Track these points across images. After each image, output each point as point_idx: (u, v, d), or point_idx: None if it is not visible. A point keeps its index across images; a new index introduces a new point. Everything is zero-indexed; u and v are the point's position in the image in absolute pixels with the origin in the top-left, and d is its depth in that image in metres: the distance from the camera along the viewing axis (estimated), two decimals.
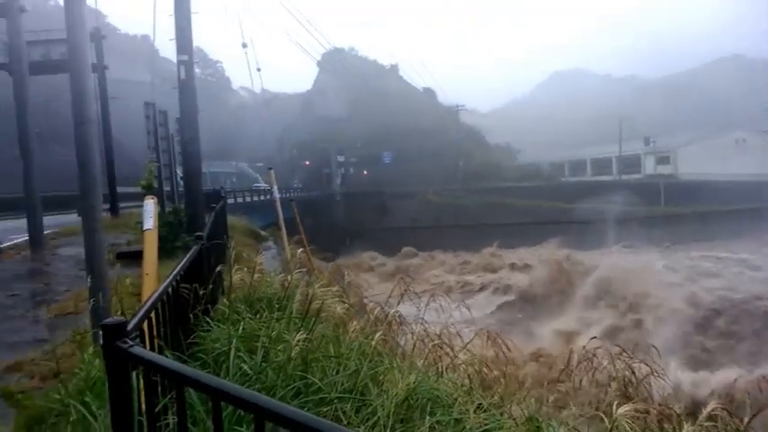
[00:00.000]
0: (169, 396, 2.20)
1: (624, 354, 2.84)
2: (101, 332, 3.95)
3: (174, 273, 3.13)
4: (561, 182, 67.21)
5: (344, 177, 63.52)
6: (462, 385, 3.16)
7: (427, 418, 2.18)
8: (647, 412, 2.22)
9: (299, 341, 2.62)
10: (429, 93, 77.78)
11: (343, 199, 54.54)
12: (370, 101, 67.70)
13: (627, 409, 1.89)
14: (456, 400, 2.77)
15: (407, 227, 48.35)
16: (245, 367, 2.76)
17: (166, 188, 12.38)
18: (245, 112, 74.80)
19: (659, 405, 2.28)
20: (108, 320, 1.76)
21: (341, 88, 68.33)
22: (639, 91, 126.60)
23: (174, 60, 11.28)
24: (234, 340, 2.81)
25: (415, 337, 3.51)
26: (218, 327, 3.59)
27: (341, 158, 63.54)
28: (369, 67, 78.46)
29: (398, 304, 3.85)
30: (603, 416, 2.05)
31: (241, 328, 3.15)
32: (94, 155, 5.05)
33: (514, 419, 2.85)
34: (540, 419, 2.71)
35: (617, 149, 67.44)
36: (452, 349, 3.21)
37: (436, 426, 2.38)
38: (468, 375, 3.36)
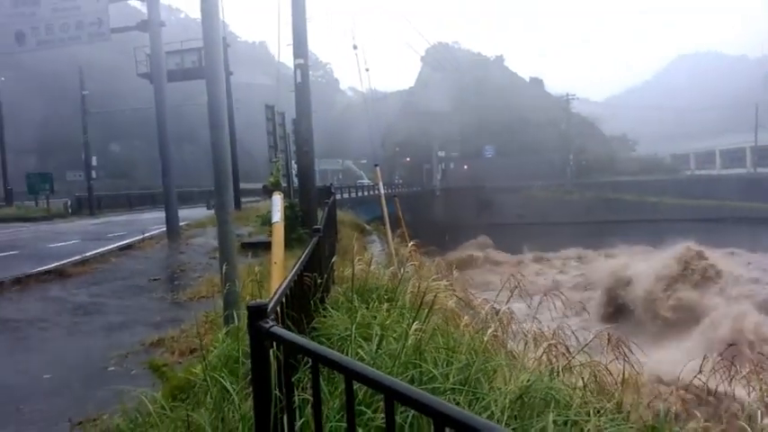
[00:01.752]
0: (298, 375, 2.42)
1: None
2: (235, 313, 4.38)
3: (299, 261, 3.38)
4: (686, 175, 61.20)
5: (445, 172, 63.28)
6: (578, 388, 3.07)
7: (550, 415, 2.15)
8: None
9: (414, 330, 2.72)
10: (536, 83, 74.74)
11: (442, 194, 54.36)
12: (472, 94, 66.65)
13: None
14: (572, 401, 2.71)
15: (511, 223, 46.89)
16: (362, 353, 2.92)
17: (283, 184, 13.26)
18: (351, 111, 77.45)
19: None
20: (252, 303, 1.98)
21: (443, 82, 67.98)
22: None
23: (289, 64, 12.04)
24: (353, 326, 2.99)
25: (528, 336, 3.46)
26: (336, 313, 3.82)
27: (441, 153, 63.35)
28: (472, 59, 77.19)
29: (508, 302, 3.82)
30: (747, 427, 1.89)
31: (359, 314, 3.32)
32: (227, 155, 5.57)
33: (636, 427, 2.72)
34: (665, 429, 2.56)
35: (752, 139, 59.85)
36: (568, 350, 3.13)
37: (553, 425, 2.35)
38: (584, 378, 3.25)
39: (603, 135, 68.22)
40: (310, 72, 11.89)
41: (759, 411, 1.83)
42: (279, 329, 1.90)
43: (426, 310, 3.07)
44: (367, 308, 3.99)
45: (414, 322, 2.75)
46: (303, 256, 3.65)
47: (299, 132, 11.94)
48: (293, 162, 13.29)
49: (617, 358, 3.13)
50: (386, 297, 4.45)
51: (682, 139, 78.90)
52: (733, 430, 2.36)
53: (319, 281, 4.35)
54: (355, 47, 14.47)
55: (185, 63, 19.94)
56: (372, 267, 5.83)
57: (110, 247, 12.71)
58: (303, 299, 3.80)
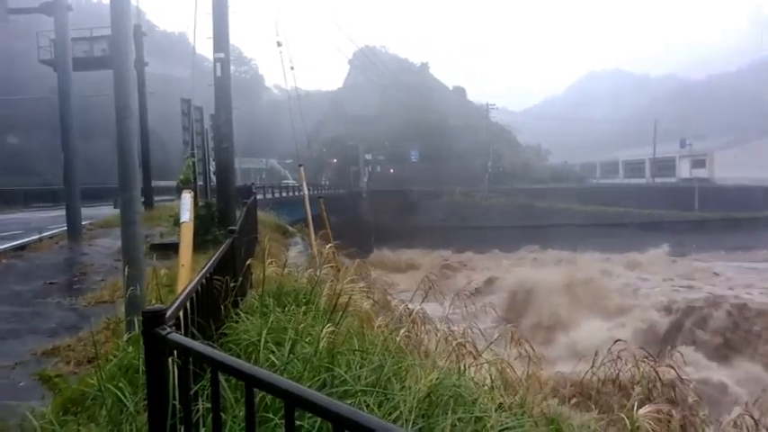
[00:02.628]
0: (200, 383, 2.30)
1: (649, 357, 2.81)
2: (137, 319, 4.11)
3: (208, 264, 3.24)
4: (592, 184, 65.98)
5: (371, 175, 63.77)
6: (484, 384, 3.18)
7: (449, 414, 2.21)
8: (671, 416, 2.21)
9: (326, 334, 2.69)
10: (459, 91, 77.33)
11: (369, 197, 54.71)
12: (399, 99, 67.72)
13: (648, 410, 1.89)
14: (478, 398, 2.80)
15: (434, 226, 48.08)
16: (273, 358, 2.85)
17: (200, 182, 12.69)
18: (276, 110, 75.86)
19: (683, 410, 2.27)
20: (148, 308, 1.86)
21: (371, 86, 68.51)
22: (677, 92, 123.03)
23: (210, 57, 11.56)
24: (264, 331, 2.90)
25: (438, 336, 3.55)
26: (248, 319, 3.70)
27: (368, 156, 63.78)
28: (399, 64, 78.46)
29: (422, 302, 3.89)
30: (625, 418, 2.05)
31: (271, 319, 3.23)
32: (134, 149, 5.24)
33: (535, 420, 2.86)
34: (561, 421, 2.72)
35: (651, 151, 65.81)
36: (476, 348, 3.24)
37: (457, 423, 2.41)
38: (491, 375, 3.39)
39: (519, 144, 71.96)
40: (234, 67, 11.53)
41: (636, 403, 1.99)
42: (177, 336, 1.80)
43: (340, 313, 3.05)
44: (283, 311, 3.91)
45: (326, 325, 2.72)
46: (213, 259, 3.51)
47: (217, 128, 11.51)
48: (211, 159, 12.78)
49: (520, 356, 3.28)
50: (304, 300, 4.39)
51: (589, 150, 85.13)
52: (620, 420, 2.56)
53: (233, 284, 4.21)
54: (279, 44, 14.14)
55: (94, 51, 18.58)
56: (291, 270, 5.73)
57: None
58: (212, 304, 3.65)
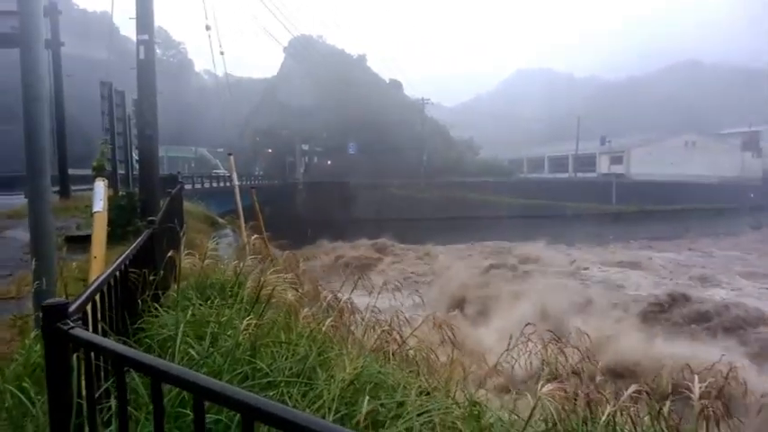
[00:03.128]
0: (111, 380, 2.19)
1: (555, 339, 2.99)
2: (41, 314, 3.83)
3: (123, 257, 3.08)
4: (520, 178, 68.86)
5: (308, 167, 63.00)
6: (410, 370, 3.25)
7: (368, 399, 2.24)
8: (576, 395, 2.36)
9: (247, 326, 2.64)
10: (395, 85, 77.81)
11: (305, 188, 54.03)
12: (336, 90, 67.17)
13: (550, 388, 2.01)
14: (401, 383, 2.86)
15: (371, 219, 48.32)
16: (192, 352, 2.76)
17: (121, 171, 12.01)
18: (206, 96, 72.86)
19: (587, 388, 2.43)
20: (48, 301, 1.74)
21: (307, 76, 67.46)
22: (599, 91, 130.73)
23: (135, 39, 10.90)
24: (181, 325, 2.80)
25: (365, 324, 3.58)
26: (168, 313, 3.56)
27: (305, 147, 62.93)
28: (336, 56, 77.74)
29: (351, 292, 3.91)
30: (529, 396, 2.17)
31: (189, 313, 3.12)
32: (44, 134, 4.86)
33: (456, 402, 2.96)
34: (480, 402, 2.83)
35: (574, 148, 69.57)
36: (401, 335, 3.30)
37: (380, 408, 2.45)
38: (417, 361, 3.46)
39: (453, 139, 73.64)
40: (161, 51, 10.95)
41: (542, 382, 2.12)
42: (80, 331, 1.69)
43: (263, 305, 3.00)
44: (206, 305, 3.79)
45: (248, 317, 2.67)
46: (129, 251, 3.33)
47: (140, 114, 10.89)
48: (134, 147, 12.09)
49: (444, 342, 3.38)
50: (229, 293, 4.27)
51: (517, 145, 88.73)
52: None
53: (153, 277, 4.02)
54: (208, 27, 13.56)
55: (2, 28, 17.02)
56: (218, 261, 5.56)
57: None
58: (128, 298, 3.47)
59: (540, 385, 2.02)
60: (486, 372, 3.03)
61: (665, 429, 2.10)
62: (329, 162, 64.28)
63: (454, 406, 2.62)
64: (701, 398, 1.99)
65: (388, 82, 77.72)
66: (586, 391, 2.36)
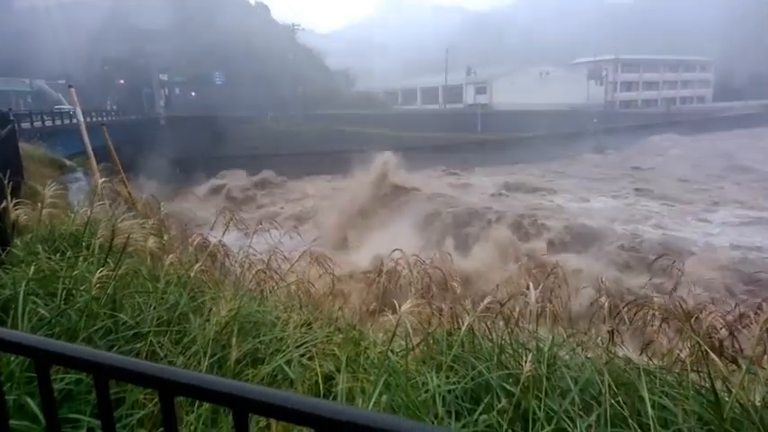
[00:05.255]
0: None
1: (420, 261, 3.21)
2: None
3: None
4: (395, 110, 69.96)
5: (169, 99, 57.55)
6: (291, 304, 3.27)
7: (246, 339, 2.23)
8: (441, 310, 2.59)
9: (101, 278, 2.42)
10: (262, 8, 72.70)
11: (168, 123, 49.47)
12: (195, 14, 60.96)
13: (410, 305, 2.17)
14: (281, 319, 2.88)
15: (245, 155, 46.06)
16: (43, 311, 2.49)
17: None
18: (38, 19, 61.81)
19: (450, 303, 2.68)
20: None
21: None
22: (466, 23, 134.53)
23: None
24: (23, 283, 2.49)
25: (239, 265, 3.49)
26: (10, 271, 3.14)
27: (164, 77, 57.10)
28: None
29: (224, 234, 3.76)
30: (391, 316, 2.32)
31: (33, 269, 2.79)
32: None
33: (338, 328, 3.07)
34: (360, 327, 2.97)
35: (444, 79, 71.86)
36: (277, 273, 3.28)
37: (259, 346, 2.45)
38: (298, 295, 3.49)
39: (328, 69, 71.75)
40: None
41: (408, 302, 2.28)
42: None
43: (119, 254, 2.77)
44: (57, 258, 3.41)
45: (101, 269, 2.45)
46: None
47: None
48: None
49: (323, 273, 3.44)
50: (85, 244, 3.87)
51: (391, 76, 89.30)
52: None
53: None
54: None
55: None
56: (60, 211, 4.99)
57: None
58: None
59: (407, 303, 2.16)
60: (366, 297, 3.17)
61: (513, 328, 2.40)
62: (193, 94, 59.28)
63: (334, 333, 2.71)
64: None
65: (253, 5, 72.27)
66: (450, 306, 2.59)
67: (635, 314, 2.58)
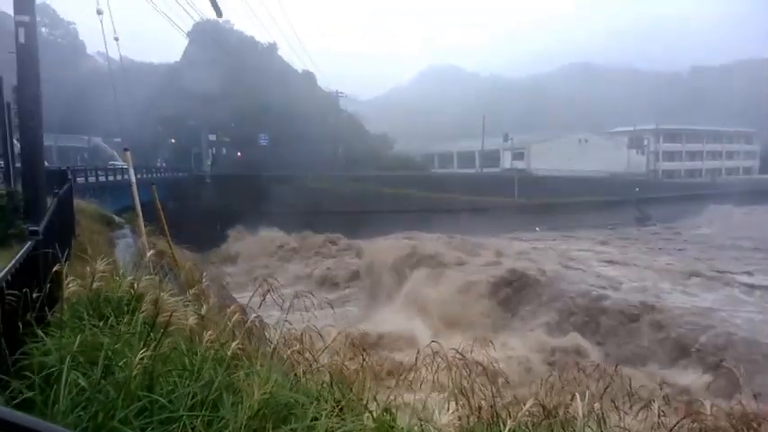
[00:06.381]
0: None
1: (459, 355, 3.11)
2: None
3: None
4: (431, 173, 70.93)
5: (216, 158, 60.22)
6: (323, 385, 3.21)
7: (277, 426, 2.19)
8: (480, 409, 2.48)
9: (141, 359, 2.46)
10: (308, 76, 76.42)
11: (213, 181, 51.52)
12: (245, 79, 64.71)
13: (449, 413, 2.09)
14: (312, 401, 2.82)
15: (286, 213, 47.06)
16: (83, 383, 2.52)
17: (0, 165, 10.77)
18: (100, 81, 67.00)
19: (491, 405, 2.55)
20: None
21: (213, 63, 64.22)
22: (502, 90, 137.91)
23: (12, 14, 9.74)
24: (67, 355, 2.55)
25: (275, 342, 3.48)
26: (54, 336, 3.23)
27: (212, 137, 60.08)
28: (245, 43, 74.88)
29: (260, 307, 3.78)
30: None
31: (78, 338, 2.85)
32: None
33: (371, 411, 2.97)
34: (390, 408, 2.88)
35: (480, 144, 72.90)
36: (312, 353, 3.25)
37: None
38: (330, 373, 3.43)
39: (368, 132, 74.07)
40: (47, 30, 9.79)
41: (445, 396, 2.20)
42: None
43: (160, 333, 2.82)
44: (101, 325, 3.49)
45: (142, 350, 2.49)
46: (5, 271, 2.98)
47: (22, 103, 9.78)
48: (15, 139, 10.86)
49: (355, 353, 3.39)
50: (127, 309, 3.96)
51: (430, 140, 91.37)
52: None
53: (37, 294, 3.63)
54: (100, 12, 12.42)
55: None
56: (115, 272, 5.15)
57: None
58: (7, 322, 3.11)
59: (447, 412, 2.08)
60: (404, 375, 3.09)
61: None
62: (239, 154, 61.93)
63: (367, 421, 2.63)
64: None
65: (300, 73, 76.26)
66: (490, 404, 2.48)
67: None
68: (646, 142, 79.98)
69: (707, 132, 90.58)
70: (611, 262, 31.98)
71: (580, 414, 2.12)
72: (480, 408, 2.50)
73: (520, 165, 69.85)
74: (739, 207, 58.80)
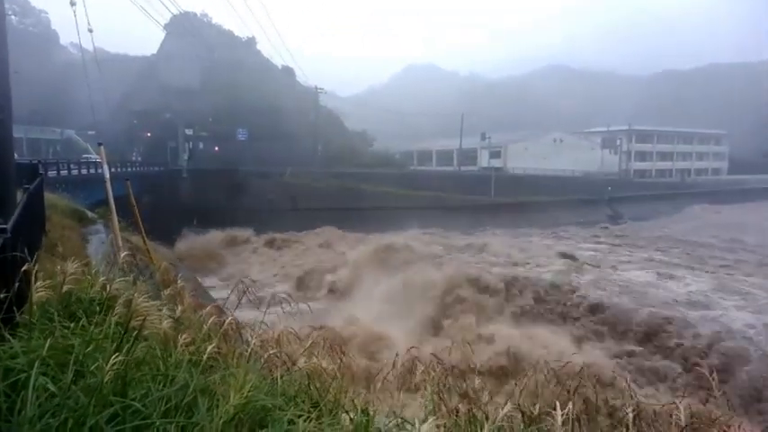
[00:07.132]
0: None
1: (437, 360, 3.14)
2: None
3: None
4: (410, 171, 71.18)
5: (193, 153, 59.21)
6: (300, 389, 3.20)
7: (258, 431, 2.17)
8: (458, 410, 2.51)
9: (113, 364, 2.40)
10: (288, 71, 75.83)
11: (190, 176, 50.70)
12: (223, 73, 63.89)
13: (431, 423, 2.10)
14: (290, 403, 2.81)
15: (263, 208, 46.59)
16: (53, 388, 2.46)
17: None
18: (74, 73, 65.17)
19: (469, 405, 2.59)
20: None
21: (190, 56, 63.20)
22: (480, 89, 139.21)
23: None
24: (37, 360, 2.48)
25: (252, 345, 3.45)
26: (22, 338, 3.13)
27: (189, 132, 59.01)
28: (223, 37, 73.92)
29: (236, 309, 3.74)
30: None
31: (48, 341, 2.77)
32: None
33: (348, 412, 2.97)
34: (371, 408, 2.88)
35: (458, 143, 73.47)
36: (289, 356, 3.24)
37: None
38: (308, 375, 3.42)
39: (347, 129, 73.87)
40: (16, 18, 9.42)
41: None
42: None
43: (133, 338, 2.76)
44: (69, 327, 3.40)
45: (115, 355, 2.44)
46: None
47: None
48: None
49: (332, 354, 3.38)
50: (99, 309, 3.87)
51: (408, 138, 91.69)
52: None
53: (5, 294, 3.52)
54: (73, 2, 12.07)
55: None
56: (88, 270, 5.03)
57: None
58: None
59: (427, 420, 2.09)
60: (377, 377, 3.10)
61: None
62: (217, 148, 61.09)
63: (345, 422, 2.63)
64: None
65: (280, 68, 75.58)
66: (467, 407, 2.51)
67: None
68: (619, 142, 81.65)
69: (678, 134, 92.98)
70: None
71: (559, 422, 2.15)
72: (458, 410, 2.52)
73: (497, 164, 70.58)
74: (711, 206, 61.09)
